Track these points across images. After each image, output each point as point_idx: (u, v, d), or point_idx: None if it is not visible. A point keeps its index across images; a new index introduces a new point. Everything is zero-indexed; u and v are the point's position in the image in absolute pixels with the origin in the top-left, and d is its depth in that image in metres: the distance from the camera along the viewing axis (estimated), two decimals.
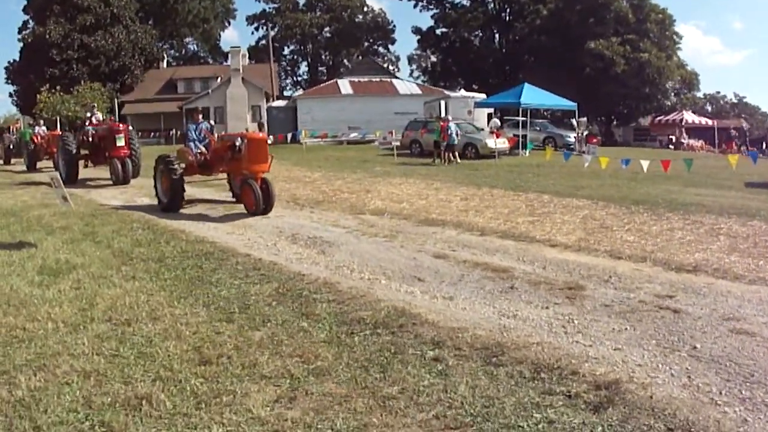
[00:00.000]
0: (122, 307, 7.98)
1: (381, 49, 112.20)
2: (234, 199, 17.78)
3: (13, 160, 41.32)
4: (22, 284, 9.16)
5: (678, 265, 10.03)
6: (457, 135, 32.32)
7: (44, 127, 39.65)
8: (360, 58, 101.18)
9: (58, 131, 37.74)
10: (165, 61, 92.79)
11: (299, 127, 54.60)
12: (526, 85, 39.58)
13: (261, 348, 6.62)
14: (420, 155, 36.63)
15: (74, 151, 25.43)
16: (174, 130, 66.77)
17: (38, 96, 63.52)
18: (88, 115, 28.89)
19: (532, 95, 39.01)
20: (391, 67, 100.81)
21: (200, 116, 18.61)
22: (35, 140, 36.02)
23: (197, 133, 17.86)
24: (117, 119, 29.10)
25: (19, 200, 19.20)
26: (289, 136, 45.13)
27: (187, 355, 6.47)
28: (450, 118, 36.37)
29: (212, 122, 19.01)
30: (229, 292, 8.61)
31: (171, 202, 16.54)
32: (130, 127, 28.32)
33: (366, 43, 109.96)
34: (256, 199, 15.02)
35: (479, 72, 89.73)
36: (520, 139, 37.22)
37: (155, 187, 17.27)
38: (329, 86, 66.01)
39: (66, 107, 62.01)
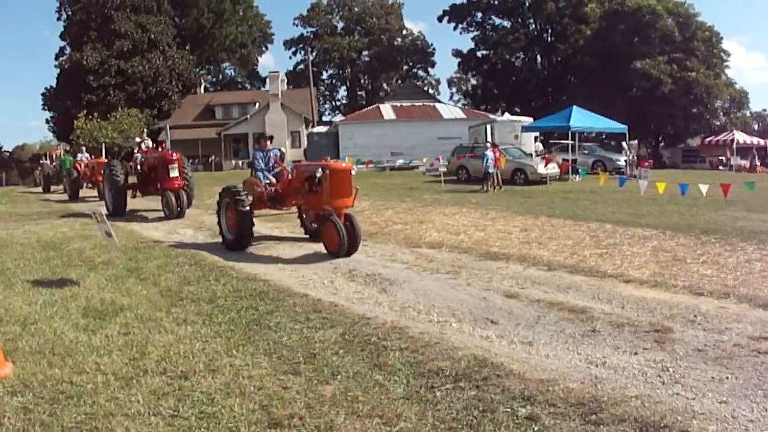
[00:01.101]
0: (176, 356, 7.54)
1: (421, 73, 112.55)
2: (307, 236, 16.60)
3: (52, 188, 41.34)
4: (66, 328, 8.76)
5: (765, 302, 9.45)
6: (500, 162, 31.93)
7: (87, 154, 39.31)
8: (399, 82, 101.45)
9: (103, 159, 37.22)
10: (202, 86, 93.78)
11: (341, 153, 54.47)
12: (575, 108, 39.11)
13: (335, 406, 6.11)
14: (467, 181, 36.20)
15: (122, 181, 24.34)
16: (213, 157, 67.03)
17: (75, 122, 63.97)
18: (137, 141, 27.99)
19: (582, 118, 38.57)
20: (431, 91, 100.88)
21: (268, 142, 17.08)
22: (77, 168, 35.37)
23: (266, 161, 16.56)
24: (169, 147, 29.43)
25: (58, 231, 19.01)
26: None
27: (255, 415, 5.97)
28: (489, 144, 35.92)
29: (283, 149, 17.91)
30: (290, 338, 8.16)
31: (238, 240, 15.26)
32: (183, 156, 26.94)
33: (405, 67, 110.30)
34: (340, 239, 13.51)
35: (522, 94, 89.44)
36: (570, 164, 36.66)
37: (219, 222, 16.02)
38: (371, 111, 66.19)
39: (103, 134, 62.44)
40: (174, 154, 24.09)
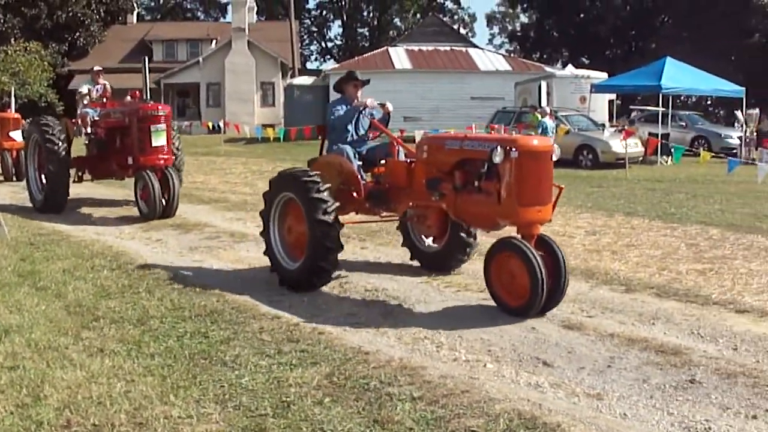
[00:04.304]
0: (87, 402, 7.43)
1: (449, 4, 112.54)
2: (415, 262, 13.80)
3: None
4: None
5: None
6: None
7: None
8: (418, 16, 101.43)
9: (12, 113, 32.10)
10: (135, 13, 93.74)
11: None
12: (669, 60, 39.11)
13: None
14: None
15: (65, 152, 20.23)
16: None
17: None
18: (83, 91, 23.47)
19: (678, 76, 38.70)
20: (463, 30, 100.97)
21: (359, 91, 13.44)
22: None
23: (355, 124, 13.34)
24: (148, 93, 22.13)
25: None
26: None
27: None
28: (548, 109, 35.90)
29: (389, 105, 13.61)
30: (254, 379, 8.08)
31: (310, 274, 11.95)
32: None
33: None
34: (536, 285, 10.15)
35: (592, 39, 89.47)
36: (660, 140, 36.55)
37: (269, 237, 12.67)
38: (377, 57, 66.15)
39: None
40: (160, 107, 20.34)
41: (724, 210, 20.76)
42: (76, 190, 21.23)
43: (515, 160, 10.44)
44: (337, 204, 11.80)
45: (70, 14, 77.73)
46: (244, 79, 66.97)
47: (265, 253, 12.69)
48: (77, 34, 78.69)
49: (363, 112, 13.36)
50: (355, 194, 12.61)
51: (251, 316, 10.41)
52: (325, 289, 12.13)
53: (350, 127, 13.24)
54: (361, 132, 13.44)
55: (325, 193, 11.66)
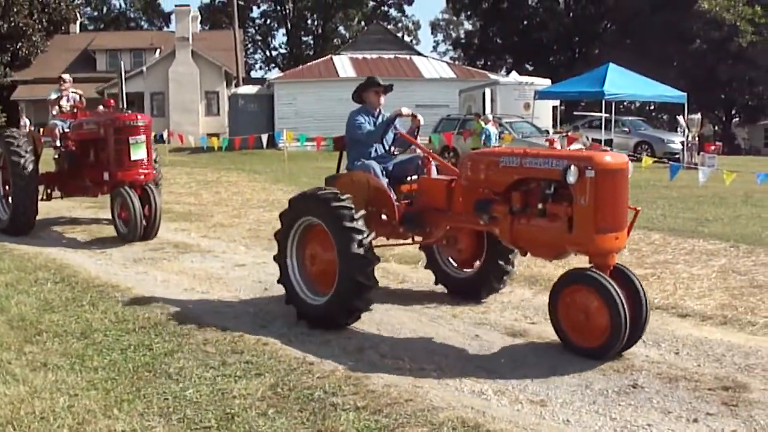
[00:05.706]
0: (29, 418, 7.37)
1: (393, 12, 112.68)
2: (441, 286, 12.40)
3: None
4: None
5: None
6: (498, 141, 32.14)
7: None
8: (362, 24, 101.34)
9: None
10: (78, 23, 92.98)
11: (277, 124, 54.22)
12: (612, 66, 39.34)
13: None
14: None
15: (33, 167, 18.38)
16: None
17: None
18: (53, 97, 21.02)
19: (621, 82, 38.87)
20: (407, 38, 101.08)
21: (382, 98, 12.30)
22: None
23: (382, 136, 11.87)
24: (124, 102, 21.87)
25: None
26: (264, 138, 43.54)
27: None
28: (490, 117, 36.00)
29: (420, 117, 12.21)
30: (198, 391, 8.04)
31: (342, 312, 10.49)
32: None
33: (372, 3, 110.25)
34: (616, 325, 8.82)
35: (536, 46, 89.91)
36: (603, 146, 36.76)
37: (285, 264, 11.17)
38: (321, 65, 65.94)
39: None
40: (139, 116, 18.52)
41: (666, 215, 20.92)
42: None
43: (591, 179, 9.08)
44: (373, 234, 10.53)
45: (12, 24, 76.80)
46: (188, 88, 66.71)
47: (279, 282, 11.21)
48: (19, 44, 77.80)
49: (392, 126, 11.79)
50: (385, 217, 11.36)
51: (195, 328, 10.35)
52: (269, 299, 12.09)
53: (379, 141, 11.82)
54: (387, 145, 11.92)
55: (360, 222, 10.21)
